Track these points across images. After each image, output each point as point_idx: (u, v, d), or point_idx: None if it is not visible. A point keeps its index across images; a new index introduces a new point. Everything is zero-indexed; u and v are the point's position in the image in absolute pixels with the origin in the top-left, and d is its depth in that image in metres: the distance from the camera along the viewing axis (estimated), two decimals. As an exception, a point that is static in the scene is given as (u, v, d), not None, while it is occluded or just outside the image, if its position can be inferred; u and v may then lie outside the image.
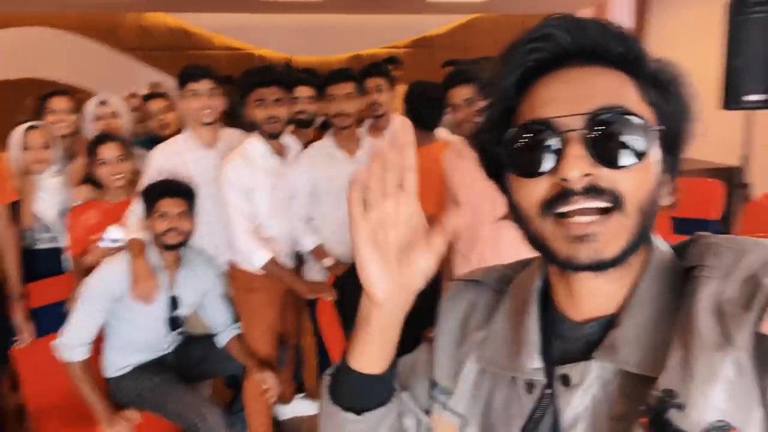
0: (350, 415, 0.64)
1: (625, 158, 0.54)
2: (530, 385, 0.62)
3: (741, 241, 0.56)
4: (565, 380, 0.59)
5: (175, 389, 2.16)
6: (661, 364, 0.53)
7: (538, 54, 0.57)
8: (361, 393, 0.65)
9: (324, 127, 2.86)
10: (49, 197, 2.54)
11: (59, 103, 2.68)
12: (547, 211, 0.56)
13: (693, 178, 4.58)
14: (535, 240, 0.58)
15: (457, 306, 0.74)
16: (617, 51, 0.56)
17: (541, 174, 0.56)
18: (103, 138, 2.35)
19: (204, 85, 2.29)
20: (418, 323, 2.20)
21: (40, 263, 2.50)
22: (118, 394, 2.19)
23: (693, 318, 0.52)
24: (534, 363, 0.61)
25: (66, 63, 6.99)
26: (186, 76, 2.31)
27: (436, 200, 2.37)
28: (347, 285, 2.22)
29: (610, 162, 0.53)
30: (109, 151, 2.31)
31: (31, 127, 2.49)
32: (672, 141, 0.59)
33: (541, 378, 0.61)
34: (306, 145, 2.53)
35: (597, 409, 0.57)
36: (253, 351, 2.37)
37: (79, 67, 7.08)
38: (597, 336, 0.59)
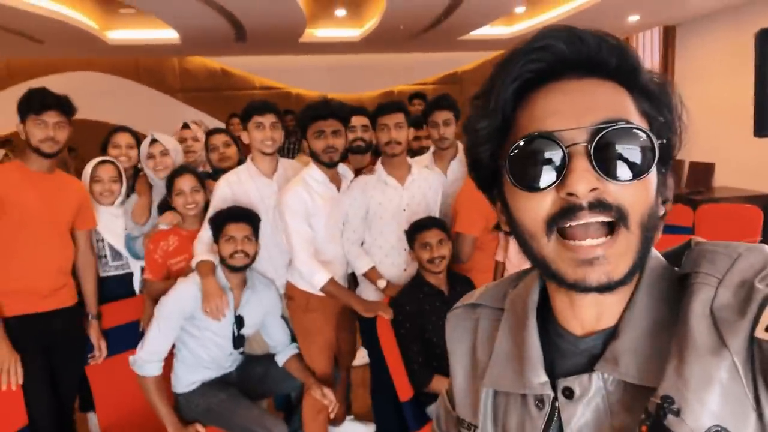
0: None
1: (631, 172, 0.53)
2: (540, 401, 0.62)
3: (735, 247, 0.56)
4: (568, 393, 0.59)
5: (240, 404, 2.27)
6: (661, 374, 0.53)
7: (536, 65, 0.56)
8: None
9: (375, 154, 3.01)
10: (114, 227, 2.71)
11: (122, 138, 2.88)
12: (552, 228, 0.55)
13: (731, 204, 4.60)
14: (538, 260, 0.58)
15: (461, 336, 0.74)
16: (613, 63, 0.56)
17: (545, 188, 0.55)
18: (180, 171, 2.55)
19: (268, 119, 2.47)
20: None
21: (105, 289, 2.67)
22: (187, 409, 2.30)
23: (688, 324, 0.52)
24: (540, 378, 0.61)
25: (115, 104, 7.39)
26: (252, 110, 2.49)
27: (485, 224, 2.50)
28: (400, 305, 2.31)
29: (616, 176, 0.53)
30: (185, 183, 2.49)
31: (102, 162, 2.68)
32: (665, 153, 0.58)
33: (549, 392, 0.61)
34: (360, 170, 2.67)
35: (600, 420, 0.57)
36: (311, 369, 2.47)
37: (127, 108, 7.47)
38: (598, 349, 0.60)
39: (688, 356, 0.51)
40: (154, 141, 2.79)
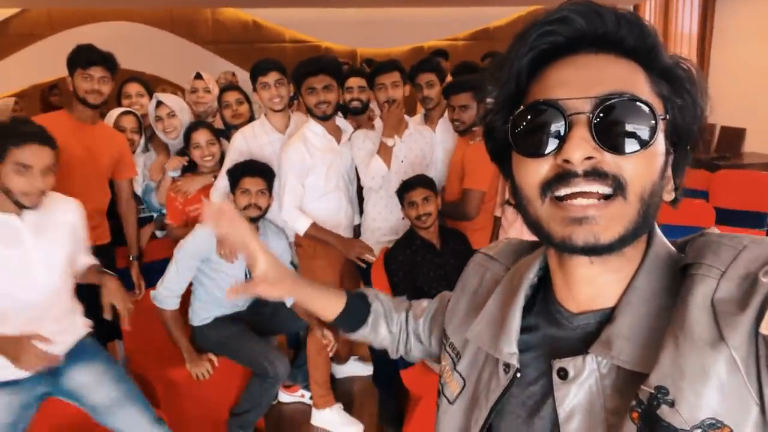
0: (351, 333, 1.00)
1: (630, 144, 0.54)
2: (507, 366, 0.66)
3: (740, 239, 0.55)
4: (563, 374, 0.59)
5: (249, 339, 2.51)
6: (654, 361, 0.53)
7: (553, 37, 0.57)
8: (342, 326, 0.98)
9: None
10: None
11: (132, 88, 3.06)
12: (547, 193, 0.56)
13: (749, 171, 4.55)
14: (532, 222, 0.59)
15: (473, 277, 0.80)
16: (631, 41, 0.56)
17: (545, 155, 0.56)
18: (196, 125, 2.74)
19: (272, 77, 2.62)
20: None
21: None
22: (201, 340, 2.55)
23: (687, 316, 0.52)
24: (511, 348, 0.65)
25: (149, 55, 7.57)
26: (256, 71, 2.65)
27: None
28: (393, 256, 2.48)
29: (614, 147, 0.53)
30: (201, 136, 2.69)
31: (124, 113, 2.88)
32: (679, 137, 0.59)
33: (514, 363, 0.64)
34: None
35: (592, 402, 0.57)
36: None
37: (161, 59, 7.65)
38: (592, 328, 0.61)
39: (685, 348, 0.51)
40: (159, 103, 2.92)
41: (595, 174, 0.54)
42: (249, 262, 0.93)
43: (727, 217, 3.81)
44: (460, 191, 2.67)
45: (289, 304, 2.70)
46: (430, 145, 2.80)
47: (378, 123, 2.73)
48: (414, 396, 2.46)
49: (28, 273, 1.80)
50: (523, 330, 0.67)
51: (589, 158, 0.54)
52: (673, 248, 0.61)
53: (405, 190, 2.48)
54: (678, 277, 0.57)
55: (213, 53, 8.23)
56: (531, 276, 0.69)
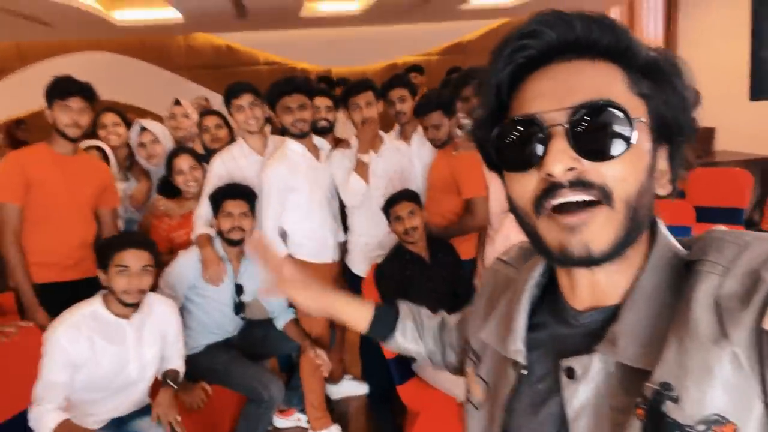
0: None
1: (608, 150, 0.54)
2: (515, 364, 0.67)
3: (744, 236, 0.55)
4: (570, 373, 0.60)
5: (241, 364, 2.47)
6: (657, 358, 0.53)
7: (526, 51, 0.58)
8: (374, 335, 0.99)
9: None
10: None
11: (107, 118, 3.02)
12: (540, 208, 0.57)
13: (722, 168, 4.66)
14: (530, 235, 0.61)
15: (488, 282, 0.82)
16: (605, 42, 0.57)
17: (530, 169, 0.57)
18: (178, 151, 2.74)
19: (245, 99, 2.63)
20: (458, 301, 2.47)
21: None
22: (193, 369, 2.49)
23: (690, 312, 0.53)
24: (517, 346, 0.67)
25: (122, 84, 7.51)
26: (230, 94, 2.66)
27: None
28: (384, 271, 2.48)
29: (593, 155, 0.54)
30: (183, 162, 2.68)
31: (87, 148, 2.81)
32: (670, 131, 0.59)
33: (521, 360, 0.66)
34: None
35: (599, 400, 0.58)
36: (307, 331, 2.66)
37: (135, 88, 7.61)
38: (597, 325, 0.61)
39: (689, 345, 0.52)
40: (143, 129, 2.91)
41: (580, 184, 0.55)
42: (273, 269, 0.97)
43: (705, 215, 3.89)
44: (449, 204, 2.68)
45: (279, 326, 2.68)
46: (408, 158, 2.82)
47: (354, 141, 2.74)
48: (412, 412, 2.44)
49: (123, 369, 2.06)
50: (532, 328, 0.68)
51: (571, 168, 0.55)
52: (680, 246, 0.61)
53: (390, 205, 2.48)
54: (682, 274, 0.57)
55: (187, 79, 8.21)
56: (536, 275, 0.70)
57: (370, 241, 2.74)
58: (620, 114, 0.54)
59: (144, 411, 2.18)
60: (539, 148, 0.56)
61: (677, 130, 0.59)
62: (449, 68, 5.61)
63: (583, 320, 0.63)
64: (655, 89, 0.58)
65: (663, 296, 0.57)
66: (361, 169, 2.61)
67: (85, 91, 2.37)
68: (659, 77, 0.58)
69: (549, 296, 0.69)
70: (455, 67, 5.64)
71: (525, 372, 0.66)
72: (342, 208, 2.85)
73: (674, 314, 0.55)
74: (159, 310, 2.17)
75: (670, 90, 0.58)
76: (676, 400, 0.51)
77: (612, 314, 0.60)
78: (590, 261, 0.56)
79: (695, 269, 0.55)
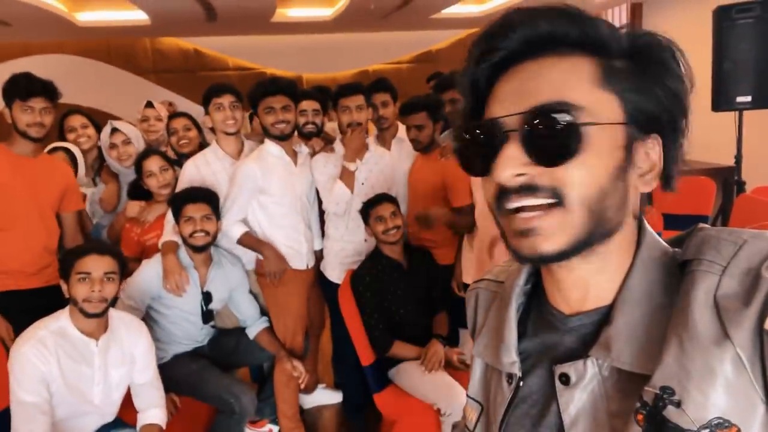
0: None
1: (558, 155, 0.53)
2: (510, 377, 0.65)
3: (740, 233, 0.54)
4: (565, 379, 0.58)
5: (211, 374, 2.39)
6: (656, 361, 0.52)
7: (495, 53, 0.57)
8: None
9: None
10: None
11: (75, 120, 2.93)
12: (499, 209, 0.58)
13: (687, 177, 4.78)
14: (501, 233, 0.60)
15: (468, 309, 0.79)
16: (574, 36, 0.55)
17: (488, 174, 0.57)
18: (146, 153, 2.64)
19: (227, 99, 2.57)
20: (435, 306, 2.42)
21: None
22: (162, 380, 2.41)
23: (689, 314, 0.51)
24: (511, 358, 0.64)
25: (87, 88, 7.31)
26: (211, 92, 2.60)
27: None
28: (360, 276, 2.44)
29: (544, 160, 0.53)
30: (153, 164, 2.59)
31: (53, 149, 2.72)
32: (655, 123, 0.56)
33: (516, 372, 0.64)
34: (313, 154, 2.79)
35: (596, 406, 0.56)
36: (281, 341, 2.60)
37: (99, 91, 7.41)
38: (588, 329, 0.60)
39: (689, 347, 0.50)
40: (114, 130, 2.82)
41: (528, 189, 0.54)
42: None
43: (672, 222, 3.96)
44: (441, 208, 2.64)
45: (251, 335, 2.60)
46: (389, 166, 2.79)
47: (338, 146, 2.70)
48: (387, 420, 2.40)
49: (88, 390, 1.96)
50: (523, 337, 0.66)
51: (521, 174, 0.54)
52: (667, 245, 0.59)
53: (370, 206, 2.45)
54: (676, 274, 0.56)
55: (153, 83, 8.04)
56: (521, 283, 0.68)
57: (346, 247, 2.70)
58: (570, 117, 0.53)
59: (115, 424, 2.08)
60: (492, 155, 0.56)
61: (668, 121, 0.56)
62: (429, 75, 5.59)
63: (572, 324, 0.61)
64: (637, 78, 0.55)
65: (656, 297, 0.56)
66: (347, 177, 2.58)
67: (48, 91, 2.27)
68: (643, 63, 0.55)
69: (536, 303, 0.67)
70: (436, 73, 5.61)
71: (522, 384, 0.64)
72: (321, 213, 2.80)
73: (672, 316, 0.53)
74: (126, 330, 2.05)
75: (655, 77, 0.55)
76: (678, 405, 0.50)
77: (603, 317, 0.58)
78: (541, 260, 0.56)
79: (691, 269, 0.54)
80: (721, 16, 4.09)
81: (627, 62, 0.56)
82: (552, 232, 0.54)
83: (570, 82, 0.54)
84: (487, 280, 0.76)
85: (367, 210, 2.46)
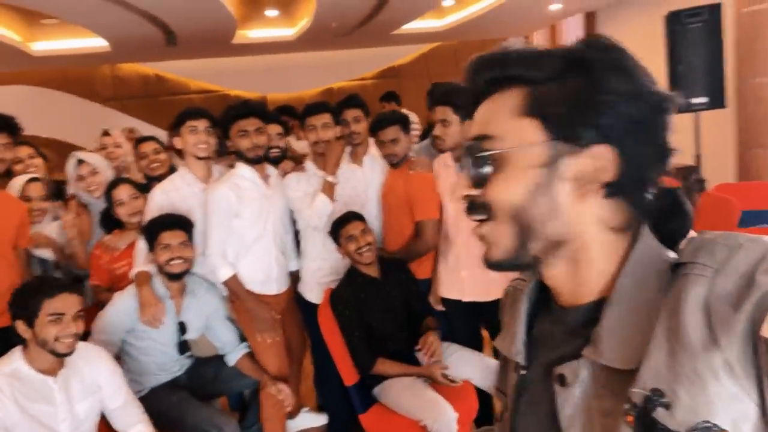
0: None
1: (479, 178, 0.62)
2: (517, 365, 0.69)
3: (737, 237, 0.54)
4: (562, 380, 0.60)
5: (191, 405, 2.32)
6: (644, 359, 0.53)
7: (468, 93, 0.68)
8: None
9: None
10: None
11: (22, 151, 2.85)
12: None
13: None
14: None
15: (504, 305, 0.81)
16: (514, 73, 0.62)
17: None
18: (116, 182, 2.60)
19: (202, 123, 2.54)
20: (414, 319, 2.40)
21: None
22: (138, 415, 2.33)
23: (680, 317, 0.52)
24: (517, 348, 0.69)
25: (45, 119, 7.14)
26: (186, 115, 2.56)
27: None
28: (339, 296, 2.41)
29: (475, 182, 0.63)
30: (123, 192, 2.54)
31: (31, 180, 2.65)
32: (588, 132, 0.58)
33: (520, 361, 0.68)
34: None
35: (588, 404, 0.58)
36: (264, 366, 2.53)
37: (59, 122, 7.24)
38: (578, 324, 0.62)
39: (678, 350, 0.51)
40: (80, 162, 2.77)
41: (472, 207, 0.64)
42: None
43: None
44: (408, 224, 2.62)
45: (231, 362, 2.54)
46: (362, 182, 2.77)
47: (309, 165, 2.68)
48: (374, 440, 2.36)
49: (55, 427, 1.88)
50: (533, 329, 0.70)
51: (467, 195, 0.64)
52: (665, 250, 0.60)
53: (339, 226, 2.43)
54: (668, 275, 0.56)
55: (115, 110, 7.91)
56: (533, 280, 0.72)
57: (323, 265, 2.66)
58: (487, 145, 0.62)
59: None
60: None
61: (615, 127, 0.57)
62: (383, 94, 5.70)
63: (568, 317, 0.64)
64: (566, 97, 0.58)
65: (647, 298, 0.56)
66: (329, 189, 2.56)
67: (9, 126, 2.20)
68: (575, 79, 0.58)
69: (546, 298, 0.70)
70: (389, 93, 5.74)
71: (524, 372, 0.68)
72: (296, 234, 2.76)
73: (662, 317, 0.53)
74: (83, 360, 1.97)
75: (589, 89, 0.57)
76: (667, 407, 0.51)
77: (592, 312, 0.60)
78: (494, 266, 0.63)
79: (684, 272, 0.54)
80: (672, 21, 4.24)
81: (557, 83, 0.59)
82: (492, 240, 0.63)
83: (493, 116, 0.63)
84: (518, 279, 0.79)
85: (337, 230, 2.44)
